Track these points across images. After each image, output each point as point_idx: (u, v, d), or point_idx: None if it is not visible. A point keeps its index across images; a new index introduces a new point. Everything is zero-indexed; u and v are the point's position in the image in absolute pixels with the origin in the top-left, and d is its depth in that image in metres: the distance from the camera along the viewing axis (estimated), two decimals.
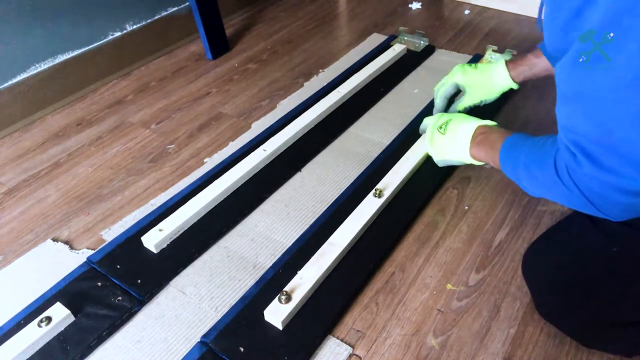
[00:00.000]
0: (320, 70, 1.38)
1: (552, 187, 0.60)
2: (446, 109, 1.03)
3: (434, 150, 0.91)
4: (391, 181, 0.95)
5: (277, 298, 0.75)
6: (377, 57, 1.35)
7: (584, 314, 0.67)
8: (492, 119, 1.14)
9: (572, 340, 0.72)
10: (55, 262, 0.88)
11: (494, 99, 0.98)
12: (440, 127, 0.88)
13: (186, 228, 0.91)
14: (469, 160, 0.83)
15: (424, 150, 1.01)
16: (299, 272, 0.79)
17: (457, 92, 1.02)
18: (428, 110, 1.18)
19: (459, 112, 0.99)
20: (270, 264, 0.85)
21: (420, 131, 1.01)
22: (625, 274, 0.63)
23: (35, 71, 1.24)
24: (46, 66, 1.26)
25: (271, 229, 0.92)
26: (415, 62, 1.36)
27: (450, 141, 0.85)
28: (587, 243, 0.67)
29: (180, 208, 0.92)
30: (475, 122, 0.83)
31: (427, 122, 0.96)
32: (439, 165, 0.93)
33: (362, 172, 1.02)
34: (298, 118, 1.14)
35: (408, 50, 1.40)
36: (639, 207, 0.55)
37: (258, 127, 1.18)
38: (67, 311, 0.75)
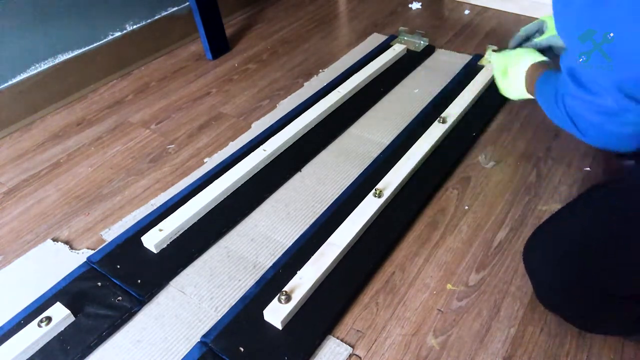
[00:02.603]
0: (320, 70, 1.38)
1: (552, 107, 0.72)
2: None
3: (504, 91, 1.00)
4: (391, 181, 0.95)
5: (276, 298, 0.75)
6: (377, 57, 1.35)
7: (583, 288, 0.67)
8: (491, 120, 1.15)
9: (572, 339, 0.72)
10: (55, 262, 0.88)
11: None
12: (503, 72, 0.98)
13: (186, 228, 0.91)
14: (529, 95, 0.92)
15: (424, 150, 1.01)
16: (298, 272, 0.79)
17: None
18: (428, 110, 1.18)
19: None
20: (270, 264, 0.85)
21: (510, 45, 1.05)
22: (622, 239, 0.64)
23: (35, 71, 1.24)
24: (46, 66, 1.26)
25: (271, 229, 0.92)
26: (415, 62, 1.36)
27: (512, 83, 0.95)
28: (583, 216, 0.69)
29: (180, 208, 0.92)
30: (525, 63, 0.92)
31: (494, 60, 1.02)
32: (513, 99, 1.02)
33: (362, 172, 1.02)
34: (298, 118, 1.14)
35: (408, 50, 1.40)
36: (607, 128, 0.63)
37: (258, 127, 1.18)
38: (67, 311, 0.76)
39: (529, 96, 0.93)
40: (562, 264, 0.68)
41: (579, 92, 0.64)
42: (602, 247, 0.66)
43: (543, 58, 0.91)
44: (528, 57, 0.93)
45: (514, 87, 0.95)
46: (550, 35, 1.01)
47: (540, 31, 1.04)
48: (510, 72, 0.95)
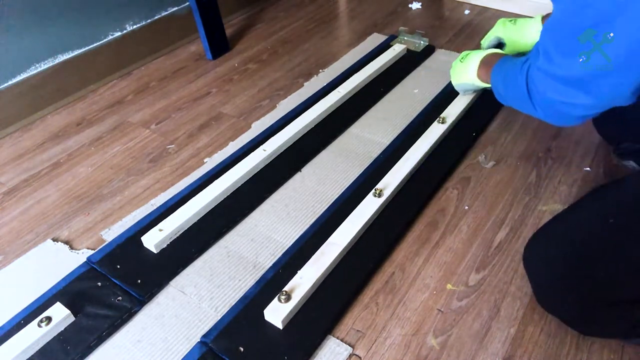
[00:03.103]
0: (320, 70, 1.38)
1: (514, 77, 0.78)
2: None
3: (452, 74, 1.08)
4: (391, 181, 0.95)
5: (277, 298, 0.75)
6: (377, 57, 1.35)
7: (581, 292, 0.67)
8: (491, 120, 1.15)
9: (572, 339, 0.72)
10: (55, 262, 0.88)
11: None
12: (462, 58, 1.05)
13: (186, 228, 0.91)
14: (477, 81, 0.99)
15: (423, 150, 1.01)
16: (299, 272, 0.80)
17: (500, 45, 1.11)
18: (428, 110, 1.18)
19: None
20: (270, 264, 0.85)
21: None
22: (616, 246, 0.64)
23: (35, 71, 1.24)
24: (46, 66, 1.26)
25: (271, 229, 0.92)
26: (415, 62, 1.36)
27: (465, 66, 1.03)
28: (581, 220, 0.69)
29: (180, 208, 0.92)
30: (484, 52, 0.98)
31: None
32: (456, 89, 1.10)
33: (362, 172, 1.02)
34: (298, 118, 1.14)
35: (408, 50, 1.40)
36: (560, 102, 0.68)
37: (258, 127, 1.18)
38: (67, 311, 0.76)
39: (476, 83, 1.00)
40: (560, 267, 0.68)
41: (545, 64, 0.68)
42: (598, 252, 0.65)
43: (500, 51, 0.98)
44: (489, 50, 1.01)
45: (467, 72, 1.02)
46: (512, 51, 1.08)
47: (500, 46, 1.11)
48: (470, 57, 1.02)
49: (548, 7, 0.72)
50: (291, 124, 1.12)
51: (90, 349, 0.74)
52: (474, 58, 1.00)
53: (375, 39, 1.50)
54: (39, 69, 1.24)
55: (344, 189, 0.98)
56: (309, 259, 0.81)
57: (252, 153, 1.04)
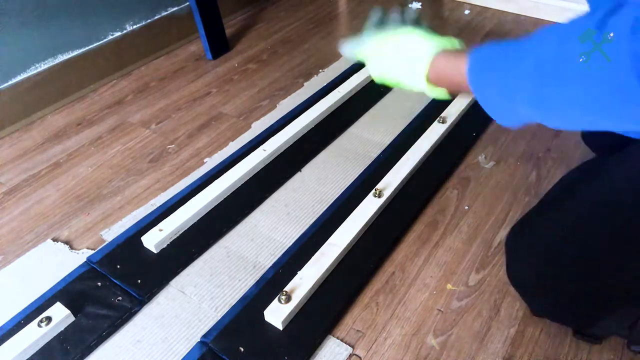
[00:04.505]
0: (320, 70, 1.38)
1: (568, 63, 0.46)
2: None
3: (372, 62, 0.71)
4: (391, 181, 0.95)
5: (277, 298, 0.75)
6: None
7: (573, 296, 0.65)
8: (491, 120, 1.15)
9: (572, 339, 0.72)
10: (55, 262, 0.88)
11: None
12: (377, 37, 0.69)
13: (186, 228, 0.91)
14: (426, 86, 0.62)
15: (424, 150, 1.01)
16: (299, 272, 0.79)
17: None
18: (428, 110, 1.17)
19: None
20: (270, 264, 0.85)
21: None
22: (591, 249, 0.61)
23: (35, 71, 1.24)
24: (46, 66, 1.26)
25: (271, 229, 0.92)
26: None
27: (400, 57, 0.64)
28: (569, 215, 0.64)
29: (180, 208, 0.92)
30: (435, 43, 0.61)
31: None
32: (377, 81, 0.73)
33: (362, 172, 1.02)
34: (298, 118, 1.14)
35: None
36: None
37: (258, 127, 1.18)
38: (67, 311, 0.76)
39: (420, 88, 0.63)
40: (543, 272, 0.67)
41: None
42: (572, 254, 0.63)
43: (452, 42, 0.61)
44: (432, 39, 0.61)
45: (405, 65, 0.64)
46: None
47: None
48: (403, 43, 0.64)
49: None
50: (291, 124, 1.12)
51: (90, 349, 0.74)
52: (419, 48, 0.61)
53: None
54: (39, 69, 1.24)
55: (344, 189, 0.98)
56: (309, 259, 0.81)
57: (252, 153, 1.04)
